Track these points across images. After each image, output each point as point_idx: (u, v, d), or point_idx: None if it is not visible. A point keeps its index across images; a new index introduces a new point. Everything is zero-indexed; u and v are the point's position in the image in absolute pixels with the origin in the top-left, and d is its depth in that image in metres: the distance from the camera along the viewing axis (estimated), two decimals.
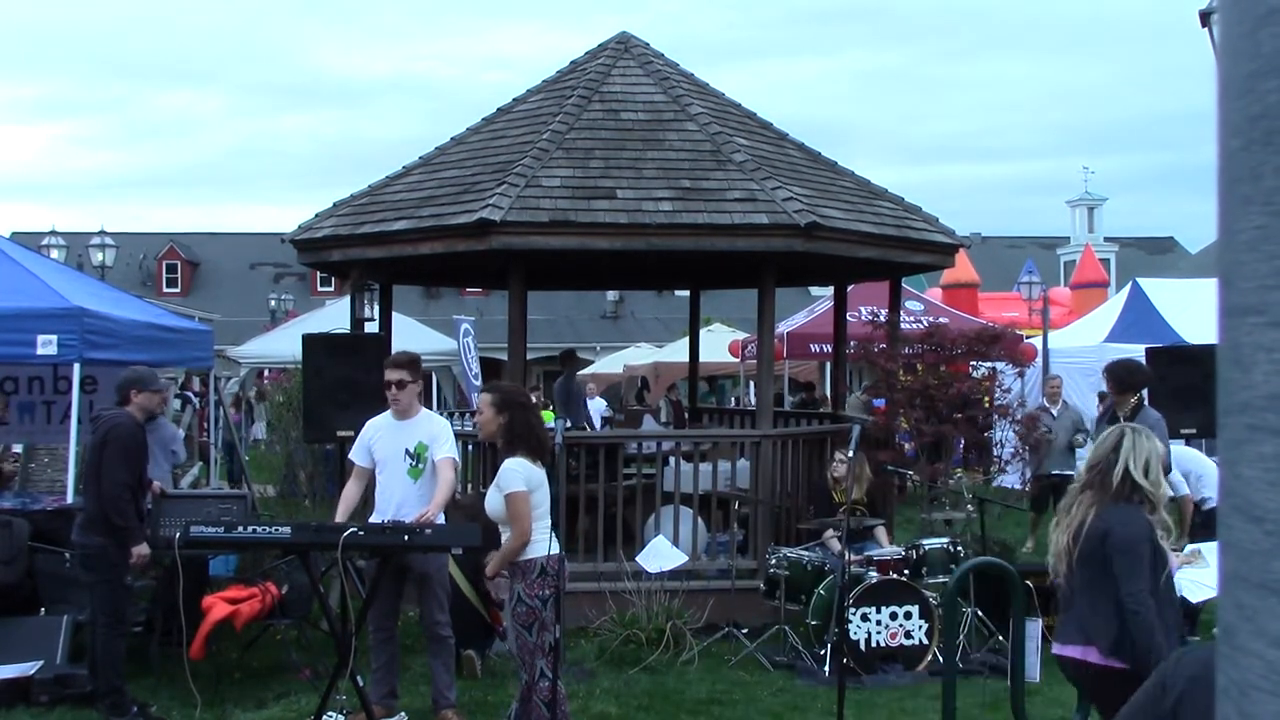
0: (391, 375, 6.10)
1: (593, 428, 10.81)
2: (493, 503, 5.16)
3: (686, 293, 14.48)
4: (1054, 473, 10.68)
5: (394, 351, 6.76)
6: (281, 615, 7.13)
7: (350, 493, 6.15)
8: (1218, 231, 0.92)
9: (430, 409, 7.31)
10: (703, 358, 14.13)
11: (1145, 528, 4.00)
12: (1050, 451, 10.92)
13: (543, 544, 5.10)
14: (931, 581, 7.29)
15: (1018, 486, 11.35)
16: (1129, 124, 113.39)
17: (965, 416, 9.16)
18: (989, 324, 11.94)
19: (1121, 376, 7.62)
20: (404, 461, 6.04)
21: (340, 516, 5.94)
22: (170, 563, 6.54)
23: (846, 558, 6.50)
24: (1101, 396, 11.38)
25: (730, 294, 18.27)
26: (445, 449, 6.00)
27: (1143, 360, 8.68)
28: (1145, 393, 7.92)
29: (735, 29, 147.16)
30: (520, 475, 5.05)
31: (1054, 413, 11.33)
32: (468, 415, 12.65)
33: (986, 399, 9.80)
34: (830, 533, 7.79)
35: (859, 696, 6.45)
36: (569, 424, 8.27)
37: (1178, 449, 7.94)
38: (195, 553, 6.71)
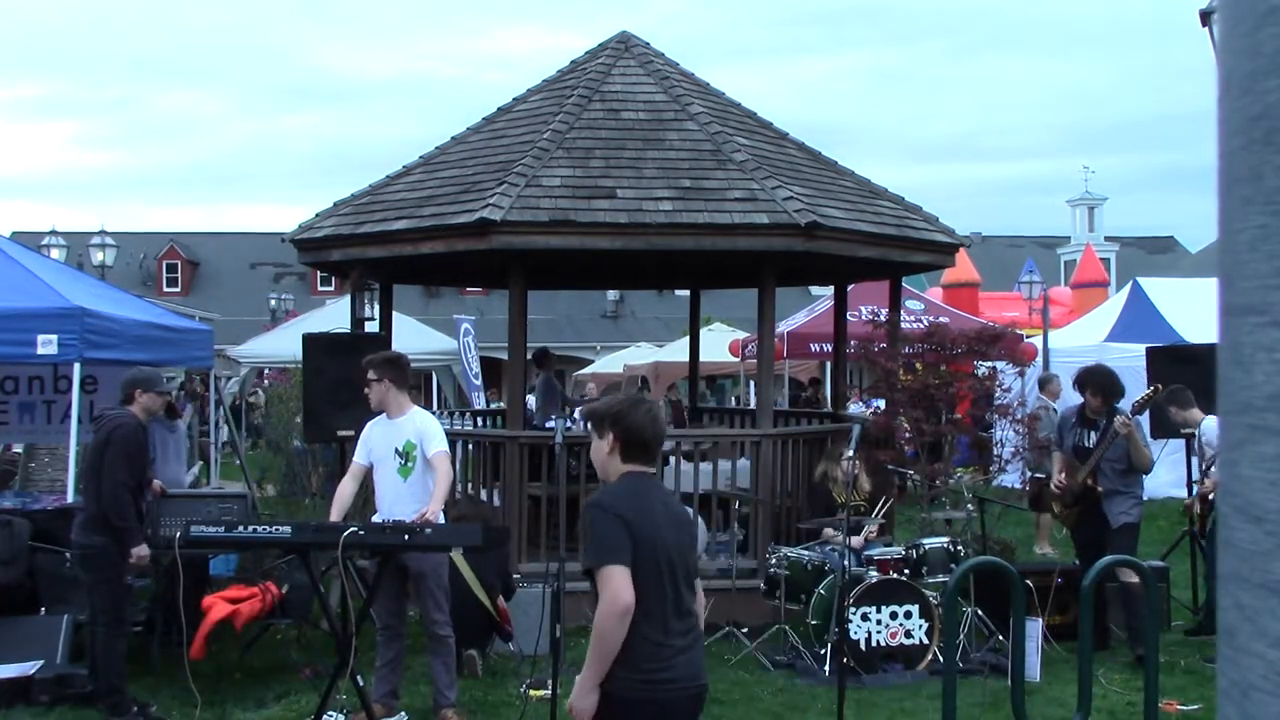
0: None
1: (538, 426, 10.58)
2: None
3: (686, 292, 14.47)
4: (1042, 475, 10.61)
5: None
6: (281, 615, 7.13)
7: (344, 490, 6.16)
8: (1218, 231, 0.92)
9: (430, 409, 7.30)
10: (703, 357, 14.12)
11: None
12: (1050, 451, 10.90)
13: None
14: (931, 581, 7.29)
15: (1018, 486, 11.33)
16: (1129, 124, 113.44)
17: (969, 415, 9.15)
18: (989, 323, 11.93)
19: (1106, 386, 7.53)
20: (394, 460, 6.07)
21: (335, 514, 5.95)
22: (170, 563, 6.54)
23: (846, 557, 6.50)
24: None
25: (730, 294, 18.24)
26: (435, 444, 6.01)
27: (1142, 359, 8.65)
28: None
29: (735, 29, 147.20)
30: None
31: (1056, 408, 11.29)
32: (467, 415, 12.65)
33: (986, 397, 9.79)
34: (830, 532, 7.79)
35: (859, 696, 6.45)
36: (569, 425, 8.22)
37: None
38: (195, 552, 6.71)
